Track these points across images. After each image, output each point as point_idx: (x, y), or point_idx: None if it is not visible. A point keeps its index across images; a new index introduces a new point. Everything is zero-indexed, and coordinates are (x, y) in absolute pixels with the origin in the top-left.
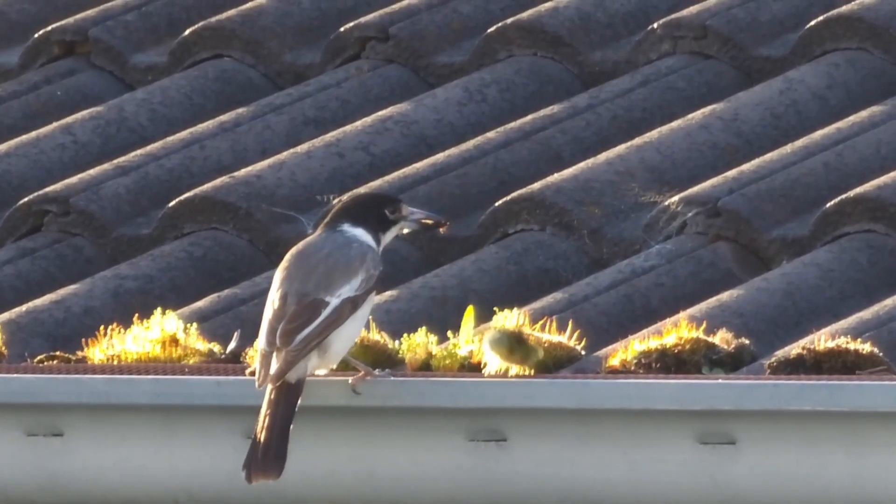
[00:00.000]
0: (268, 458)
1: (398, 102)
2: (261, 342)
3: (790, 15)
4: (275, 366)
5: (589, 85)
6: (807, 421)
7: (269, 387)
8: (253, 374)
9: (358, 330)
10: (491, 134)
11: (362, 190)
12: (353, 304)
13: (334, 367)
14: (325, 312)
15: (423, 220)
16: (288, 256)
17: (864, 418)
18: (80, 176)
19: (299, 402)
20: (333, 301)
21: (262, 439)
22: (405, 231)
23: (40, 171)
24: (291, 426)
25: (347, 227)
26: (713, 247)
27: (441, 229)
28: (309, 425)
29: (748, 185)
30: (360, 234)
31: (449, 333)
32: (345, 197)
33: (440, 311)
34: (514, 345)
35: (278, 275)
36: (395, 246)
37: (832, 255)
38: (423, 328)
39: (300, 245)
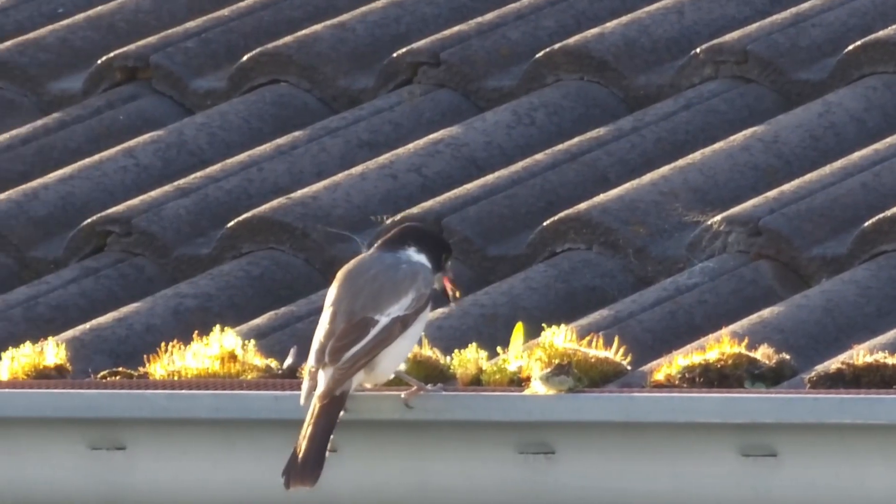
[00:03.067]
0: (306, 466)
1: (449, 126)
2: (310, 359)
3: (829, 40)
4: (322, 383)
5: (634, 108)
6: (846, 433)
7: (315, 401)
8: None
9: (408, 348)
10: (539, 156)
11: (415, 211)
12: (403, 323)
13: (383, 383)
14: (374, 331)
15: (450, 285)
16: (339, 275)
17: None
18: (141, 197)
19: (341, 414)
20: (383, 320)
21: (302, 449)
22: (434, 285)
23: (103, 192)
24: (332, 437)
25: (406, 249)
26: (754, 265)
27: (453, 300)
28: (362, 438)
29: (788, 204)
30: (417, 255)
31: (499, 349)
32: (406, 222)
33: (490, 328)
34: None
35: (330, 294)
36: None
37: (870, 272)
38: (474, 344)
39: (350, 264)
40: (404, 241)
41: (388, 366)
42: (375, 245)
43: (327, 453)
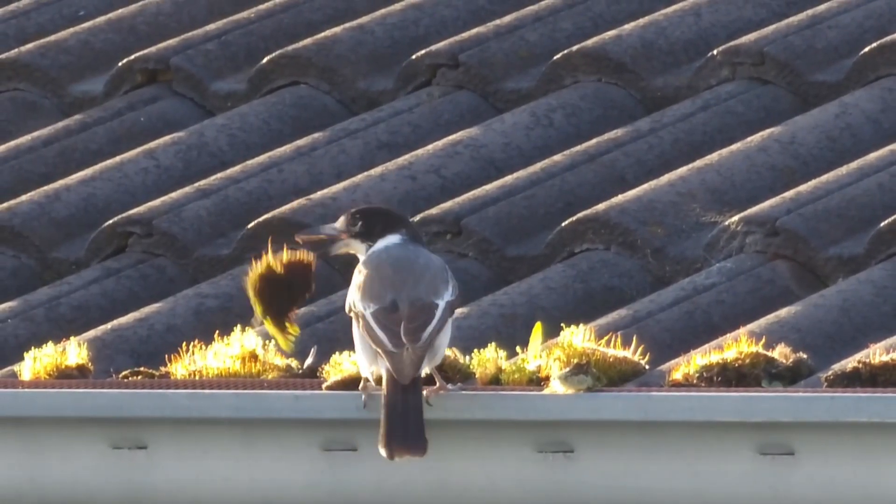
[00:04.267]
0: (408, 435)
1: (468, 127)
2: (385, 344)
3: (845, 42)
4: (406, 362)
5: (651, 109)
6: (863, 432)
7: (388, 380)
8: (330, 388)
9: (450, 332)
10: (557, 157)
11: (434, 212)
12: (451, 308)
13: (437, 364)
14: (438, 313)
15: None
16: (380, 264)
17: None
18: (162, 199)
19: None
20: (441, 304)
21: (397, 420)
22: None
23: (124, 194)
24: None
25: (416, 243)
26: (772, 265)
27: None
28: None
29: (805, 205)
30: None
31: (518, 349)
32: (368, 219)
33: (509, 328)
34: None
35: (374, 283)
36: (466, 265)
37: (887, 272)
38: (493, 344)
39: (389, 255)
40: (409, 236)
41: (440, 354)
42: (393, 238)
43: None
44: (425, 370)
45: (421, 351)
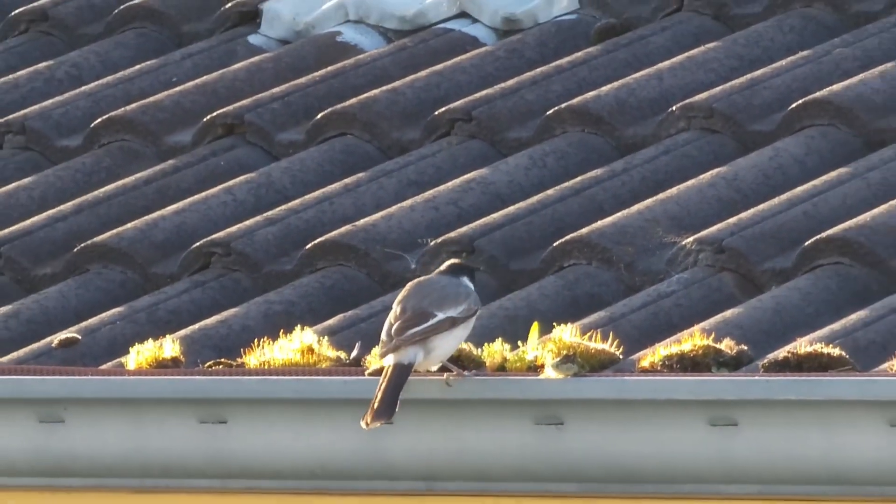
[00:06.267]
0: (382, 407)
1: (479, 168)
2: (382, 336)
3: (776, 99)
4: (387, 349)
5: (624, 154)
6: (792, 408)
7: (388, 366)
8: (372, 374)
9: (455, 344)
10: (550, 191)
11: (453, 235)
12: (452, 322)
13: (435, 368)
14: (431, 321)
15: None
16: (410, 284)
17: (836, 406)
18: (238, 226)
19: (408, 378)
20: (439, 315)
21: (378, 397)
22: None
23: (208, 222)
24: (401, 394)
25: (462, 277)
26: (719, 276)
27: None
28: (412, 415)
29: (745, 228)
30: (467, 282)
31: (519, 343)
32: (445, 245)
33: (512, 326)
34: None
35: (399, 295)
36: (478, 277)
37: (810, 281)
38: (500, 339)
39: (421, 279)
40: (461, 272)
41: (439, 354)
42: (438, 271)
43: (398, 405)
44: (430, 367)
45: (400, 343)
